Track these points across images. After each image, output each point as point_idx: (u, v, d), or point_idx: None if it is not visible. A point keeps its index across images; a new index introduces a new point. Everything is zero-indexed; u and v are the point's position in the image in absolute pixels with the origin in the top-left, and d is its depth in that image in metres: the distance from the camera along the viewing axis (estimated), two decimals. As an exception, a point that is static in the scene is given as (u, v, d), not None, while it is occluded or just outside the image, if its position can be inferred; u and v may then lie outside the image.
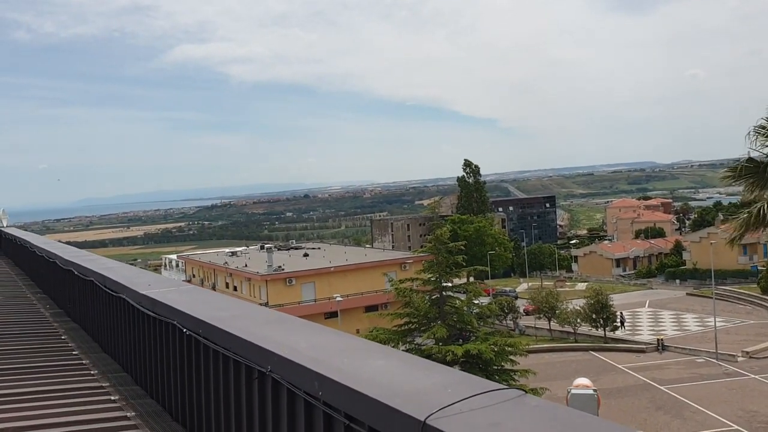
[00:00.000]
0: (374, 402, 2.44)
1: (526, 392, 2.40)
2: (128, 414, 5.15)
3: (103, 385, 6.07)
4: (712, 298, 56.80)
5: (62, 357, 7.25)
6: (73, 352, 7.49)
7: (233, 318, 4.20)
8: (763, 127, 14.63)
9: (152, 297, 5.46)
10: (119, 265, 8.75)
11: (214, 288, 72.71)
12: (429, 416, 2.18)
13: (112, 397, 5.63)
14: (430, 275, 33.57)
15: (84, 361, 7.04)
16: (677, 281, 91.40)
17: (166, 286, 6.06)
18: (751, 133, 14.68)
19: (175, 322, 4.88)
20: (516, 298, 73.46)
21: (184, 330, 4.66)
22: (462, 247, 34.99)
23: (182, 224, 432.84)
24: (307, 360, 3.02)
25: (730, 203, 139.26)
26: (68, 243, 15.20)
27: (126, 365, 6.70)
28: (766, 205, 15.03)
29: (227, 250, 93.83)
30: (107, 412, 5.19)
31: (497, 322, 53.64)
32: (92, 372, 6.59)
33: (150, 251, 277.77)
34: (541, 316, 58.06)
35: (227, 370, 4.03)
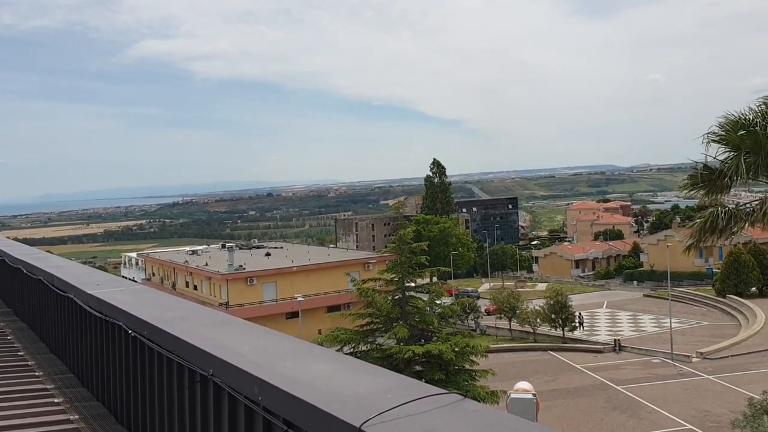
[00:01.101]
0: (311, 407, 2.40)
1: (465, 396, 2.38)
2: (71, 417, 5.02)
3: (48, 387, 5.91)
4: (668, 299, 57.92)
5: (7, 357, 7.04)
6: (19, 353, 7.29)
7: (178, 320, 4.11)
8: (715, 134, 14.94)
9: (99, 297, 5.33)
10: (70, 263, 8.55)
11: (174, 287, 71.77)
12: (365, 422, 2.15)
13: (56, 400, 5.48)
14: (393, 275, 33.57)
15: (29, 362, 6.85)
16: (635, 282, 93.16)
17: (115, 286, 5.93)
18: (704, 139, 14.98)
19: (120, 323, 4.77)
20: (478, 298, 74.03)
21: (130, 331, 4.55)
22: (425, 248, 35.08)
23: (143, 222, 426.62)
24: (248, 364, 2.96)
25: (687, 207, 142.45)
26: (24, 240, 14.76)
27: (73, 367, 6.54)
28: (718, 210, 15.35)
29: (188, 248, 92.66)
30: (50, 415, 5.05)
31: (459, 322, 53.96)
32: (37, 373, 6.41)
33: (110, 249, 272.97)
34: (502, 316, 58.60)
35: (171, 373, 3.95)
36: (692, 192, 16.05)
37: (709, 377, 41.01)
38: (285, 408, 2.62)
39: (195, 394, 3.58)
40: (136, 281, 58.34)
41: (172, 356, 3.81)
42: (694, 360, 45.52)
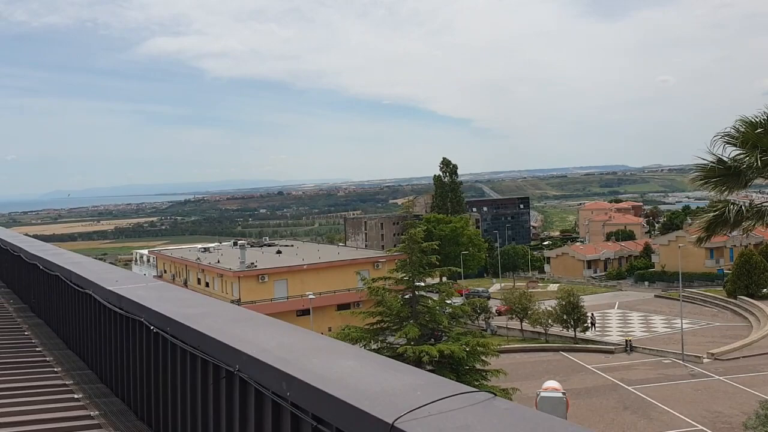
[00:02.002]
0: (342, 403, 2.41)
1: (496, 394, 2.37)
2: (92, 413, 5.04)
3: (67, 383, 5.94)
4: (679, 300, 57.66)
5: (25, 353, 7.08)
6: (36, 349, 7.32)
7: (202, 316, 4.12)
8: (731, 136, 14.82)
9: (119, 293, 5.35)
10: (87, 260, 8.57)
11: (185, 284, 72.01)
12: (397, 419, 2.15)
13: (76, 396, 5.50)
14: (403, 274, 33.56)
15: (47, 358, 6.88)
16: (646, 283, 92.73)
17: (134, 282, 5.95)
18: (718, 140, 14.88)
19: (142, 319, 4.79)
20: (489, 298, 73.84)
21: (152, 327, 4.57)
22: (435, 247, 35.05)
23: (154, 219, 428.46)
24: (275, 360, 2.97)
25: (698, 207, 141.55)
26: (35, 236, 14.85)
27: (91, 363, 6.57)
28: (729, 206, 15.24)
29: (200, 245, 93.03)
30: (69, 411, 5.07)
31: (469, 322, 53.88)
32: (56, 369, 6.44)
33: (120, 246, 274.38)
34: (513, 316, 58.46)
35: (195, 369, 3.95)
36: (704, 185, 15.89)
37: (721, 378, 40.79)
38: (314, 404, 2.63)
39: (220, 389, 3.59)
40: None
41: (197, 352, 3.82)
42: (705, 361, 45.28)
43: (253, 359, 3.11)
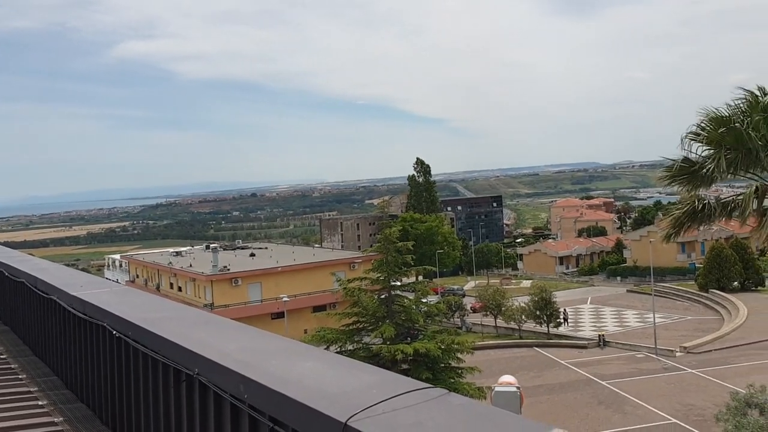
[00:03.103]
0: (297, 404, 2.42)
1: (450, 390, 2.40)
2: (55, 419, 4.99)
3: (31, 389, 5.86)
4: (651, 294, 58.48)
5: (-11, 362, 6.97)
6: (1, 356, 7.22)
7: (163, 320, 4.11)
8: (696, 134, 15.06)
9: (83, 298, 5.31)
10: (53, 265, 8.48)
11: (158, 289, 71.37)
12: (350, 417, 2.17)
13: (40, 402, 5.44)
14: (378, 274, 33.57)
15: (12, 365, 6.79)
16: (618, 278, 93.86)
17: (99, 287, 5.90)
18: (685, 139, 15.10)
19: (105, 324, 4.76)
20: (463, 296, 74.21)
21: (114, 332, 4.54)
22: (411, 247, 35.13)
23: (126, 224, 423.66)
24: (234, 363, 2.97)
25: (669, 203, 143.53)
26: (5, 244, 14.61)
27: (57, 369, 6.50)
28: (696, 203, 15.50)
29: (172, 250, 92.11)
30: (33, 418, 5.01)
31: (445, 320, 54.09)
32: (20, 376, 6.36)
33: (93, 251, 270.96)
34: (488, 313, 58.83)
35: (156, 373, 3.94)
36: (671, 184, 16.16)
37: (693, 371, 41.40)
38: (271, 405, 2.63)
39: (180, 393, 3.58)
40: (119, 283, 57.88)
41: (158, 356, 3.81)
42: (677, 354, 45.92)
43: (211, 362, 3.11)
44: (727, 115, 14.75)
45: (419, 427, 2.09)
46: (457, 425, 2.11)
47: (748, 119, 14.76)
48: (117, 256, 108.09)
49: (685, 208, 15.71)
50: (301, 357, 3.07)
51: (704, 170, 14.82)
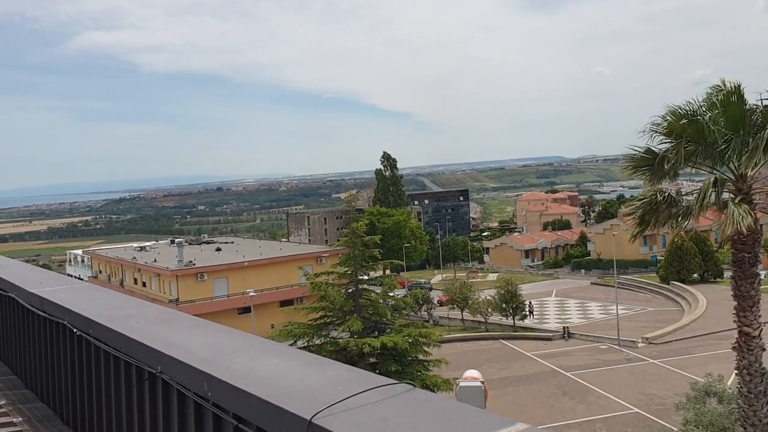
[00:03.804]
0: (261, 402, 2.40)
1: (415, 386, 2.40)
2: (14, 419, 4.88)
3: (-11, 389, 5.73)
4: (614, 287, 59.43)
5: (-55, 361, 6.79)
6: (-43, 356, 7.03)
7: (125, 317, 4.04)
8: (659, 125, 15.34)
9: (42, 296, 5.19)
10: (11, 262, 8.28)
11: (122, 284, 70.30)
12: (315, 415, 2.16)
13: (-2, 403, 5.31)
14: (346, 268, 33.50)
15: (-31, 365, 6.62)
16: (582, 271, 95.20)
17: (58, 284, 5.77)
18: (647, 130, 15.36)
19: (65, 322, 4.66)
20: (431, 289, 74.57)
21: (75, 330, 4.45)
22: (378, 241, 35.15)
23: (88, 218, 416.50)
24: (197, 360, 2.94)
25: (632, 196, 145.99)
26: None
27: (15, 368, 6.36)
28: (657, 196, 15.76)
29: (136, 244, 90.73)
30: (-8, 419, 4.90)
31: (412, 313, 54.31)
32: (-23, 376, 6.20)
33: (54, 246, 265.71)
34: (454, 306, 59.21)
35: (118, 371, 3.88)
36: (634, 175, 16.40)
37: (654, 361, 42.22)
38: (235, 403, 2.61)
39: (143, 392, 3.53)
40: (82, 279, 56.88)
41: (120, 354, 3.74)
42: (639, 345, 46.77)
43: (174, 360, 3.07)
44: (692, 109, 15.03)
45: (384, 423, 2.09)
46: (421, 421, 2.12)
47: (708, 114, 15.09)
48: (79, 252, 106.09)
49: (647, 200, 15.95)
50: (266, 354, 3.05)
51: (665, 161, 15.09)
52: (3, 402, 5.32)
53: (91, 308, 4.43)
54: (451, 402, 2.29)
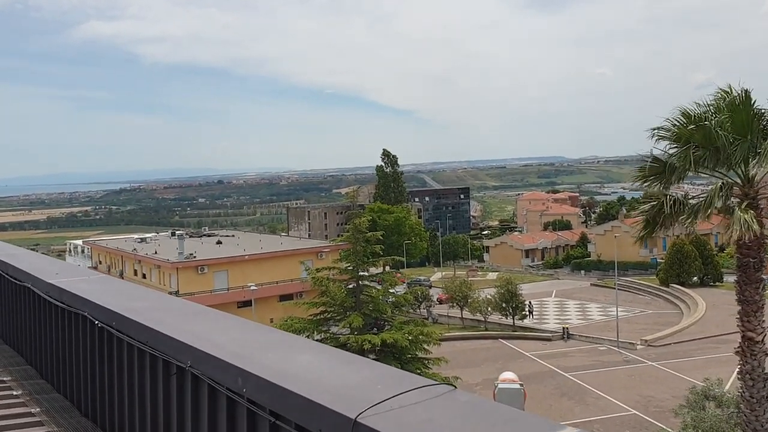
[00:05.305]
0: (301, 399, 2.38)
1: (456, 387, 2.40)
2: (32, 410, 4.88)
3: (5, 379, 5.73)
4: (614, 288, 59.44)
5: (-42, 349, 6.79)
6: (-30, 345, 7.04)
7: (149, 310, 4.03)
8: (666, 130, 15.32)
9: (61, 287, 5.18)
10: (24, 251, 8.27)
11: (121, 275, 70.27)
12: (360, 414, 2.15)
13: (15, 392, 5.31)
14: (347, 264, 33.50)
15: (-18, 354, 6.62)
16: (582, 272, 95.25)
17: (76, 275, 5.77)
18: (652, 133, 15.35)
19: (85, 314, 4.65)
20: (430, 287, 74.52)
21: (96, 322, 4.44)
22: (380, 237, 35.12)
23: (89, 208, 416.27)
24: (230, 355, 2.93)
25: (632, 198, 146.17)
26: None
27: (30, 358, 6.35)
28: (666, 199, 15.73)
29: (136, 236, 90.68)
30: (10, 408, 4.89)
31: (411, 310, 54.30)
32: (-8, 365, 6.21)
33: (54, 236, 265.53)
34: (454, 305, 59.21)
35: (143, 365, 3.87)
36: (644, 184, 16.41)
37: (653, 364, 42.27)
38: (272, 400, 2.60)
39: (170, 386, 3.52)
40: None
41: (145, 347, 3.73)
42: (638, 347, 46.81)
43: (206, 355, 3.06)
44: (698, 113, 15.02)
45: (430, 425, 2.08)
46: (466, 423, 2.11)
47: (716, 118, 15.07)
48: (79, 242, 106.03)
49: (656, 209, 15.91)
50: (297, 349, 3.04)
51: (674, 168, 15.08)
52: (20, 392, 5.32)
53: (113, 300, 4.42)
54: (493, 404, 2.28)
